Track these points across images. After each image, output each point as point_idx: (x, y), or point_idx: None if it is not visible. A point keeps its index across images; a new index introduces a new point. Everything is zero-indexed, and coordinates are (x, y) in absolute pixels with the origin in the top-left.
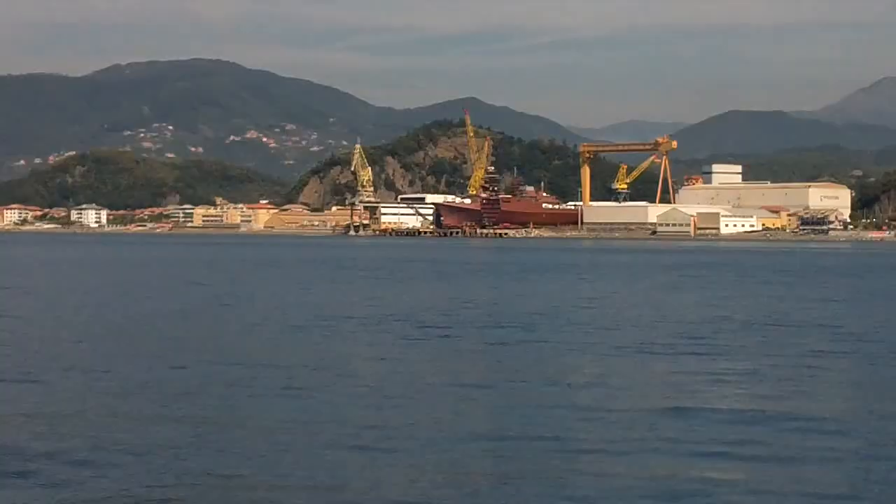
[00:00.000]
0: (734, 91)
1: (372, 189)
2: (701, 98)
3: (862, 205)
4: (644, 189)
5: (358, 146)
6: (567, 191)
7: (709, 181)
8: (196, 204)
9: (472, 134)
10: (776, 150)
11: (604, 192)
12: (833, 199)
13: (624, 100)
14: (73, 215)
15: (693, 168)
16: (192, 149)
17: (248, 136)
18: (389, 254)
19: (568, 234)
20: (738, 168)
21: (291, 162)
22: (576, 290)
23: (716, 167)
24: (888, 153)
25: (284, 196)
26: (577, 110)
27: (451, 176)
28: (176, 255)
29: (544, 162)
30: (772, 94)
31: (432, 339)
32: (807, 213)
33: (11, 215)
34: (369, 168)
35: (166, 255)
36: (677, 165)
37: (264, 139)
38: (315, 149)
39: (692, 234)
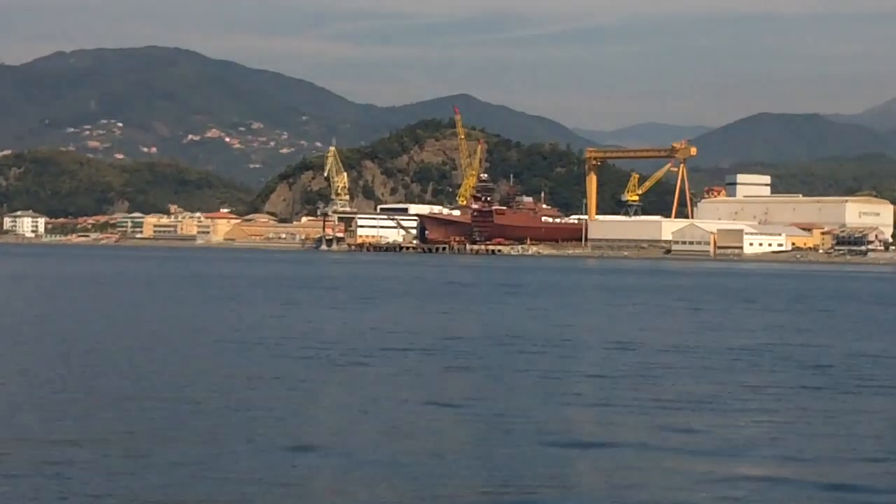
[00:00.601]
0: (764, 91)
1: (347, 198)
2: (726, 98)
3: None
4: (659, 201)
5: (332, 148)
6: (571, 202)
7: (732, 193)
8: (147, 212)
9: (463, 136)
10: (811, 159)
11: (612, 204)
12: (874, 216)
13: (638, 99)
14: (7, 223)
15: (715, 178)
16: (145, 149)
17: (208, 135)
18: (355, 271)
19: (570, 251)
20: (767, 179)
21: (258, 165)
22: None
23: (741, 177)
24: None
25: (248, 204)
26: (585, 111)
27: (438, 183)
28: (79, 270)
29: (545, 169)
30: (807, 95)
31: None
32: (843, 231)
33: None
34: (345, 174)
35: (67, 269)
36: (697, 175)
37: (227, 139)
38: (285, 151)
39: (712, 253)
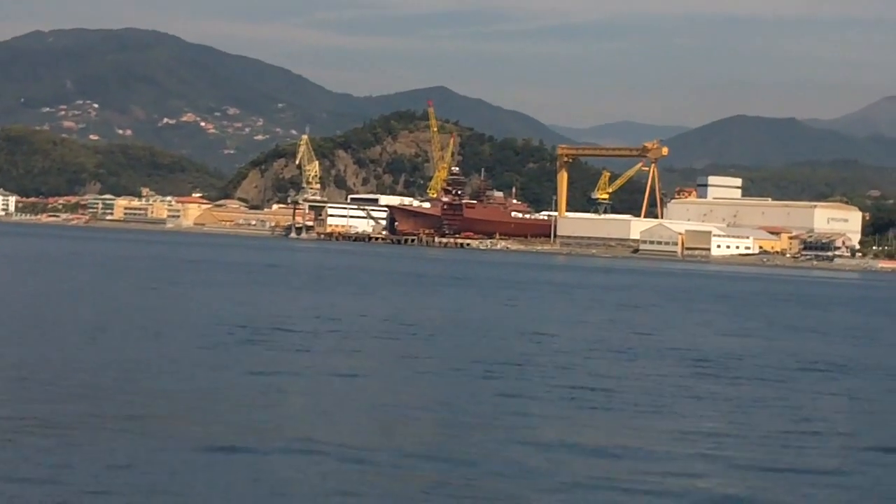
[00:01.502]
0: (742, 93)
1: (319, 186)
2: (704, 99)
3: (875, 230)
4: (630, 200)
5: (305, 136)
6: (542, 198)
7: (704, 195)
8: (119, 194)
9: (435, 129)
10: (786, 163)
11: (584, 201)
12: (842, 222)
13: (616, 97)
14: None
15: (690, 179)
16: (120, 131)
17: (184, 119)
18: (311, 258)
19: (538, 247)
20: (738, 181)
21: (232, 151)
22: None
23: (712, 179)
24: None
25: (220, 190)
26: (562, 107)
27: (410, 175)
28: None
29: (518, 164)
30: (784, 99)
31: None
32: (811, 236)
33: None
34: (317, 162)
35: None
36: (672, 175)
37: (203, 124)
38: (260, 137)
39: (679, 254)
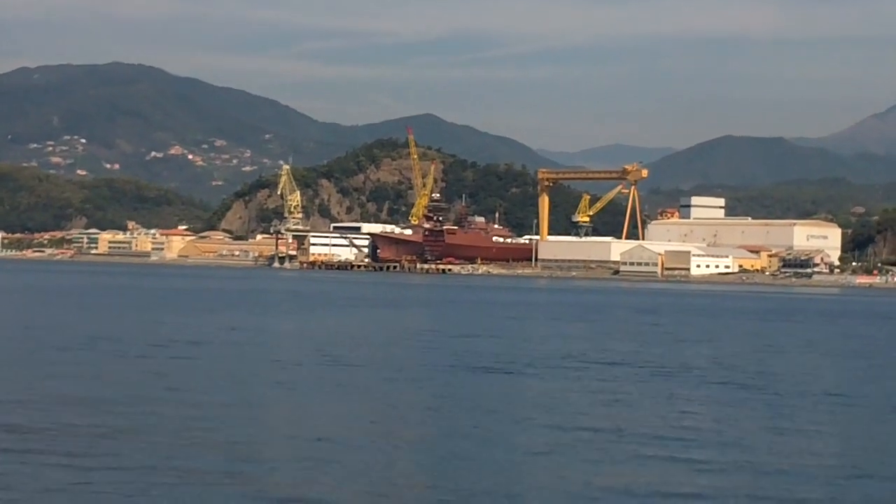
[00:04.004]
0: (730, 113)
1: (300, 216)
2: (692, 121)
3: (855, 246)
4: (613, 222)
5: (286, 167)
6: (526, 222)
7: (687, 215)
8: (105, 228)
9: (415, 156)
10: (773, 182)
11: (567, 225)
12: (821, 239)
13: (604, 121)
14: None
15: (677, 200)
16: (108, 165)
17: (171, 152)
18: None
19: (520, 271)
20: (721, 202)
21: (220, 183)
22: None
23: (695, 200)
24: None
25: (206, 221)
26: (551, 132)
27: (394, 203)
28: None
29: (501, 189)
30: (772, 118)
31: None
32: (790, 253)
33: None
34: (298, 192)
35: None
36: (657, 197)
37: (190, 156)
38: (248, 168)
39: (660, 274)
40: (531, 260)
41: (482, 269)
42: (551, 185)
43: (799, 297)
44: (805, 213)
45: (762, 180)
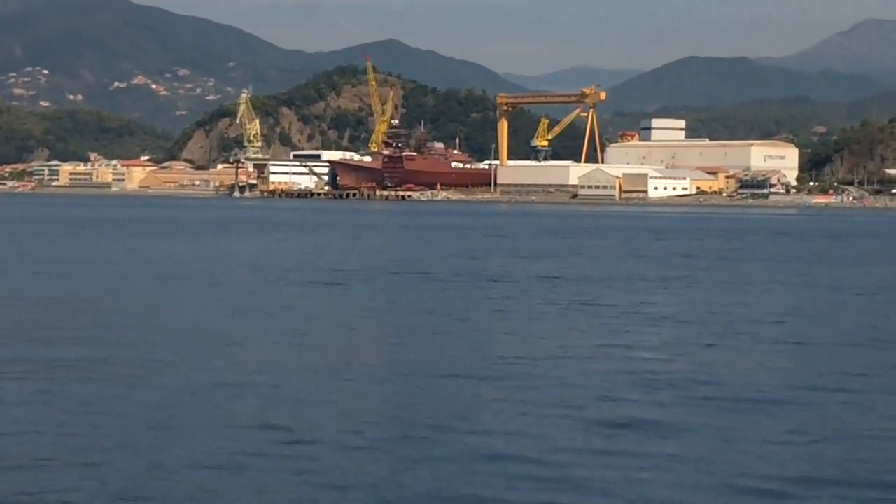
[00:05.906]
0: (694, 34)
1: (260, 145)
2: (656, 42)
3: (812, 166)
4: (574, 146)
5: (245, 95)
6: (486, 147)
7: (647, 138)
8: (68, 160)
9: (374, 83)
10: (737, 103)
11: (528, 150)
12: (778, 160)
13: (569, 44)
14: None
15: (640, 123)
16: (71, 96)
17: (134, 82)
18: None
19: (479, 196)
20: (681, 124)
21: (184, 112)
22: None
23: (655, 122)
24: (862, 106)
25: (167, 151)
26: (515, 55)
27: (355, 130)
28: None
29: (461, 115)
30: (737, 38)
31: None
32: (746, 174)
33: None
34: (257, 120)
35: None
36: (622, 119)
37: (154, 86)
38: (212, 97)
39: (617, 197)
40: (490, 185)
41: (441, 194)
42: (510, 109)
43: (751, 217)
44: (768, 133)
45: (726, 101)
